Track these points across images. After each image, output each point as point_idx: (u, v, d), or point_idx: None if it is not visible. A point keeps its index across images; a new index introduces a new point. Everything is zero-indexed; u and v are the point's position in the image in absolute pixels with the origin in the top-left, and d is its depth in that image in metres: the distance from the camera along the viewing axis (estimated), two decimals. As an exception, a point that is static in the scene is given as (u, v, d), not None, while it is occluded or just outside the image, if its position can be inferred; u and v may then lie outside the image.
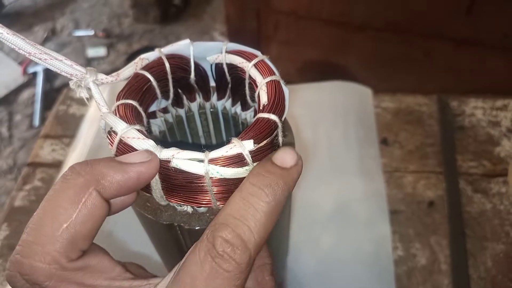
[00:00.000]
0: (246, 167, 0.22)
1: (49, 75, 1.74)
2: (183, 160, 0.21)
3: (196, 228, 0.24)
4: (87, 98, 0.24)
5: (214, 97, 0.31)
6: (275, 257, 0.39)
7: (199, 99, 0.31)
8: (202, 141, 0.34)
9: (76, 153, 0.60)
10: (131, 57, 1.78)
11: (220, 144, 0.32)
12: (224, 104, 0.31)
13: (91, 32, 1.90)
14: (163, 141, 0.30)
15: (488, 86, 1.15)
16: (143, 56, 0.27)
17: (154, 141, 0.22)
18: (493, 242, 0.49)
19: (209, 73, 0.30)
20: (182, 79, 0.29)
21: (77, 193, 0.19)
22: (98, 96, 0.23)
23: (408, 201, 0.53)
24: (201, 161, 0.21)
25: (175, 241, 0.26)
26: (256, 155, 0.22)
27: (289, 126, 0.28)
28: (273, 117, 0.24)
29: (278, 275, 0.45)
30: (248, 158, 0.22)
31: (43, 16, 2.03)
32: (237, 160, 0.22)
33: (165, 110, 0.30)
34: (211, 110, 0.31)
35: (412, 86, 1.28)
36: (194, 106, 0.31)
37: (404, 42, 1.23)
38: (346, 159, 0.56)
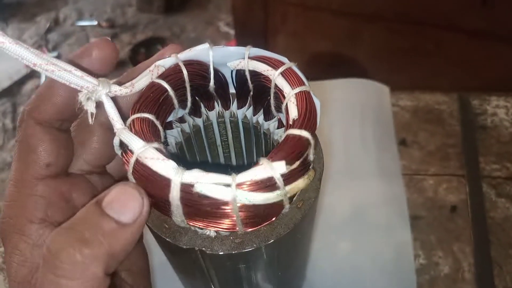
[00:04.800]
0: (277, 192, 0.20)
1: (53, 66, 1.71)
2: (208, 184, 0.19)
3: (220, 253, 0.22)
4: (92, 114, 0.22)
5: (234, 106, 0.28)
6: (297, 269, 0.37)
7: (218, 107, 0.28)
8: (220, 151, 0.32)
9: None
10: (135, 48, 1.75)
11: (241, 158, 0.30)
12: (245, 112, 0.28)
13: (94, 22, 1.87)
14: (180, 155, 0.28)
15: (503, 81, 1.12)
16: (158, 63, 0.24)
17: (173, 159, 0.20)
18: (519, 250, 0.47)
19: (229, 80, 0.27)
20: (200, 86, 0.26)
21: None
22: (111, 110, 0.21)
23: (429, 206, 0.50)
24: (228, 185, 0.19)
25: (195, 265, 0.24)
26: (288, 178, 0.20)
27: (317, 139, 0.26)
28: (305, 133, 0.21)
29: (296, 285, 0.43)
30: (280, 182, 0.20)
31: (45, 5, 2.00)
32: (267, 184, 0.20)
33: (181, 120, 0.27)
34: (231, 119, 0.29)
35: (423, 79, 1.25)
36: (212, 115, 0.29)
37: (415, 33, 1.20)
38: (364, 160, 0.54)
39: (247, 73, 0.26)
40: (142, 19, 1.90)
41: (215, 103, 0.28)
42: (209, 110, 0.28)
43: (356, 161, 0.54)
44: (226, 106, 0.28)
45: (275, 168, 0.20)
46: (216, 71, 0.26)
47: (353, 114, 0.58)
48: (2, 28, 1.90)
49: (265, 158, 0.20)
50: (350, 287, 0.45)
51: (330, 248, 0.48)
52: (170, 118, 0.26)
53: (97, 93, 0.21)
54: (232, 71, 0.26)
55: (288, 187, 0.20)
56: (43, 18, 1.95)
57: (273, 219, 0.22)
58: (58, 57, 1.76)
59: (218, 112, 0.29)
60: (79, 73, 0.20)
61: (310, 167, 0.23)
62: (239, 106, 0.28)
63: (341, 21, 1.25)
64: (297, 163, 0.21)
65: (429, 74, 1.22)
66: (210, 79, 0.26)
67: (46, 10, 1.98)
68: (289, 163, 0.20)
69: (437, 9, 1.12)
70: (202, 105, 0.28)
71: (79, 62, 0.23)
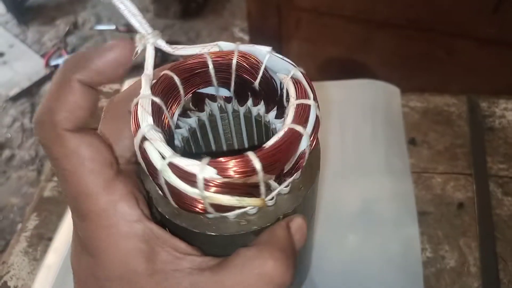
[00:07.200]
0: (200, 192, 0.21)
1: (71, 68, 1.76)
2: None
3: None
4: (136, 53, 0.25)
5: (249, 102, 0.30)
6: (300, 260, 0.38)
7: (234, 103, 0.30)
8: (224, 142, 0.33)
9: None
10: (151, 51, 1.79)
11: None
12: (259, 110, 0.30)
13: (112, 27, 1.92)
14: (199, 133, 0.30)
15: (514, 87, 1.12)
16: (219, 42, 0.27)
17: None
18: (524, 246, 0.48)
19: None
20: (245, 80, 0.28)
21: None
22: (149, 59, 0.25)
23: (437, 202, 0.52)
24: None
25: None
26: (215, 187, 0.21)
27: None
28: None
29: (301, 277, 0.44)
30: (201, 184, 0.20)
31: (65, 9, 2.06)
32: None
33: (213, 99, 0.29)
34: (246, 114, 0.31)
35: (434, 86, 1.26)
36: (229, 107, 0.30)
37: (426, 40, 1.21)
38: (374, 158, 0.56)
39: (278, 86, 0.27)
40: (159, 24, 1.94)
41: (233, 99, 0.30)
42: (227, 103, 0.30)
43: (366, 158, 0.56)
44: (243, 102, 0.30)
45: (205, 171, 0.20)
46: (265, 73, 0.27)
47: (364, 113, 0.60)
48: (23, 30, 1.95)
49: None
50: (359, 278, 0.47)
51: (340, 241, 0.50)
52: (206, 91, 0.28)
53: (146, 39, 0.24)
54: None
55: (207, 193, 0.21)
56: (62, 22, 2.00)
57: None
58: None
59: (232, 106, 0.30)
60: (140, 18, 0.24)
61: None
62: (255, 104, 0.30)
63: (353, 27, 1.27)
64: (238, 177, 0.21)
65: (439, 81, 1.24)
66: (257, 76, 0.27)
67: (65, 14, 2.04)
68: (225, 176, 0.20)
69: (449, 17, 1.14)
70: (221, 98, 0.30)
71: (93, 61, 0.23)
